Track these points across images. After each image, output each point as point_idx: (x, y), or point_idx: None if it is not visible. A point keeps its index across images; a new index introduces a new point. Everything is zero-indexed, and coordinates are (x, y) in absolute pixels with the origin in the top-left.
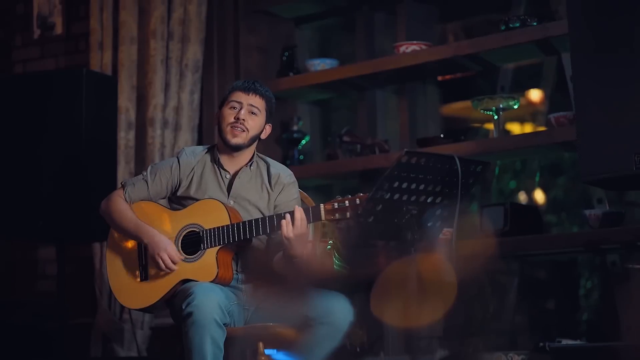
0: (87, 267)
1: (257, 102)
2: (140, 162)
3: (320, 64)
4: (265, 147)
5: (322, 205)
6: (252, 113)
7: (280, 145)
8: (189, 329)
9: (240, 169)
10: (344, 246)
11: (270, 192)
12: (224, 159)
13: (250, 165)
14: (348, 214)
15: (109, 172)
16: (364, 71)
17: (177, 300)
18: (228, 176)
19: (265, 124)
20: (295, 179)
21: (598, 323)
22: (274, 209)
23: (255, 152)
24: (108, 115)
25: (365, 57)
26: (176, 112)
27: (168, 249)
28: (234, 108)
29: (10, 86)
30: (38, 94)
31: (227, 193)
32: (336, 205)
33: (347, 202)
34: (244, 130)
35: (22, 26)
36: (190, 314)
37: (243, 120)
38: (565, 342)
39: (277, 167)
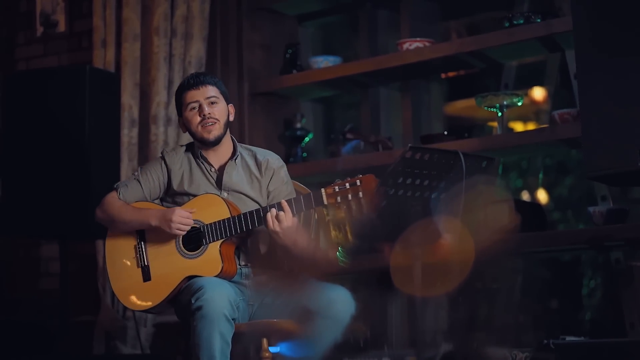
0: (90, 265)
1: (212, 91)
2: (143, 159)
3: (323, 62)
4: (268, 144)
5: (323, 190)
6: (213, 103)
7: (283, 142)
8: (197, 322)
9: (225, 163)
10: (347, 241)
11: (260, 179)
12: (206, 154)
13: (235, 159)
14: (349, 196)
15: (112, 169)
16: (367, 68)
17: (184, 296)
18: (214, 170)
19: (227, 106)
20: (283, 163)
21: (601, 321)
22: (268, 195)
23: (237, 143)
24: (111, 112)
25: (368, 55)
26: None
27: (175, 213)
28: (194, 109)
29: (14, 83)
30: (41, 91)
31: (217, 187)
32: (337, 188)
33: (347, 184)
34: (215, 122)
35: (25, 24)
36: (199, 308)
37: (209, 113)
38: (569, 339)
39: (264, 154)
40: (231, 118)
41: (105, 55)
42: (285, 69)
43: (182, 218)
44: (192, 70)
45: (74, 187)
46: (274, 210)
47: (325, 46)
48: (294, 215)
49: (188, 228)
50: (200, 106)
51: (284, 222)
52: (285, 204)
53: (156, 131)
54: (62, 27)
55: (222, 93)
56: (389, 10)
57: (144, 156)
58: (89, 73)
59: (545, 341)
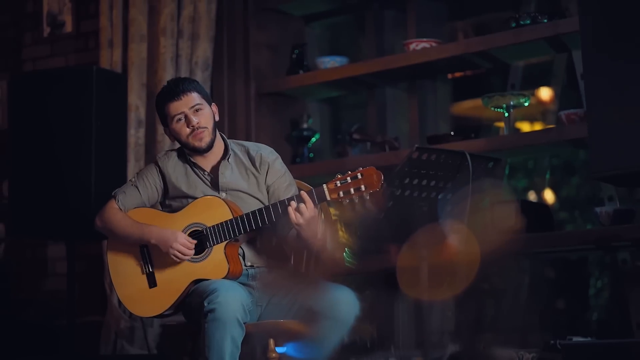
0: (97, 265)
1: (194, 99)
2: (150, 160)
3: (330, 62)
4: (275, 145)
5: (325, 185)
6: (198, 110)
7: (290, 143)
8: (209, 325)
9: (218, 164)
10: (354, 242)
11: (257, 174)
12: (197, 159)
13: (228, 158)
14: (352, 190)
15: (119, 170)
16: (373, 69)
17: (195, 298)
18: (207, 173)
19: (211, 107)
20: (277, 154)
21: (608, 322)
22: (268, 189)
23: (228, 141)
24: (118, 113)
25: (375, 55)
26: None
27: (178, 239)
28: (181, 120)
29: (21, 84)
30: (48, 91)
31: (214, 189)
32: (338, 183)
33: (348, 178)
34: (204, 130)
35: (32, 24)
36: (212, 310)
37: (197, 123)
38: (576, 339)
39: (256, 148)
40: (216, 118)
41: (112, 55)
42: (292, 70)
43: (184, 248)
44: (198, 71)
45: (81, 187)
46: (293, 203)
47: (332, 46)
48: (315, 205)
49: (186, 258)
50: (186, 117)
51: (306, 213)
52: (305, 195)
53: (163, 132)
54: (68, 27)
55: (204, 97)
56: (396, 11)
57: (151, 157)
58: (95, 74)
59: (552, 342)
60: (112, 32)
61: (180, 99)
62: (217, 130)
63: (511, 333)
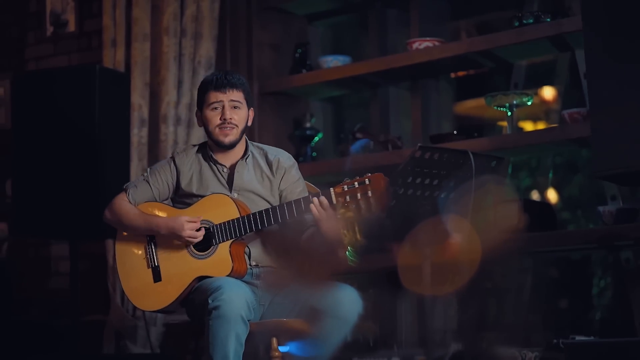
0: (100, 264)
1: (236, 95)
2: (153, 159)
3: (333, 61)
4: (278, 144)
5: (332, 189)
6: (235, 107)
7: (293, 142)
8: (213, 322)
9: (236, 163)
10: (357, 240)
11: (272, 178)
12: (217, 155)
13: (246, 159)
14: (358, 195)
15: (122, 169)
16: (376, 68)
17: (199, 295)
18: (225, 170)
19: (248, 111)
20: (294, 161)
21: (611, 321)
22: (281, 194)
23: (249, 142)
24: (121, 112)
25: (378, 54)
26: (189, 109)
27: (185, 226)
28: (216, 109)
29: (24, 83)
30: (51, 91)
31: (228, 187)
32: (345, 187)
33: (356, 183)
34: (233, 127)
35: (35, 23)
36: (217, 307)
37: (230, 119)
38: (579, 338)
39: (275, 152)
40: (249, 123)
41: (115, 55)
42: (295, 69)
43: (192, 231)
44: (201, 70)
45: (84, 187)
46: (316, 200)
47: (335, 46)
48: (331, 204)
49: (201, 235)
50: (223, 108)
51: (329, 209)
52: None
53: (166, 131)
54: (72, 26)
55: (246, 98)
56: (399, 10)
57: (154, 156)
58: (98, 73)
59: (555, 341)
60: (115, 32)
61: (225, 92)
62: (244, 134)
63: (514, 332)
